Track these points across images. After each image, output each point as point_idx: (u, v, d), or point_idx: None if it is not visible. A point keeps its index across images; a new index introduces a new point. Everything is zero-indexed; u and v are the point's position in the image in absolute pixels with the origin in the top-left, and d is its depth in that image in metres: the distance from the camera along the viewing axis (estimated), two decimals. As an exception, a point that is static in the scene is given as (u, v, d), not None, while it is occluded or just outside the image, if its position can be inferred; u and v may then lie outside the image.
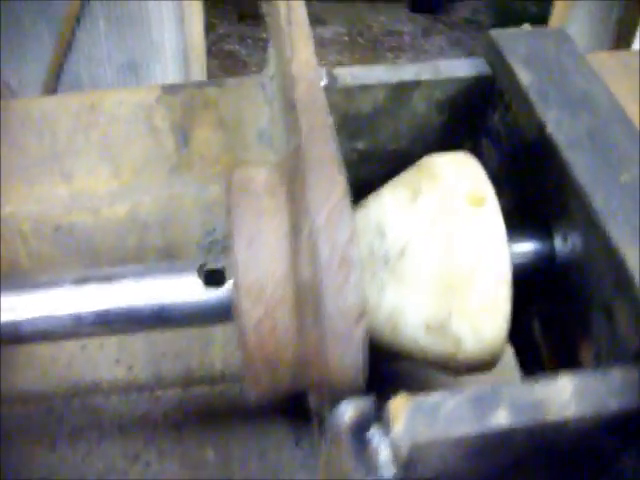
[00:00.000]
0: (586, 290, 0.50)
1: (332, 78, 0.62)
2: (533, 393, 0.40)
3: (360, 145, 0.67)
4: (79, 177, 0.84)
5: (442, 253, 0.48)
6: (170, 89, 0.90)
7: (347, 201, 0.45)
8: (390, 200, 0.52)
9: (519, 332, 0.64)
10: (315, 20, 5.48)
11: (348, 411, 0.42)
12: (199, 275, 0.53)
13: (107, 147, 0.85)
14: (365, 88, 0.62)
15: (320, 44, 5.23)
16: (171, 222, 0.82)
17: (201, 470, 0.82)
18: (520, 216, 0.62)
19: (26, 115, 0.89)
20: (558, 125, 0.54)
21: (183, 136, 0.85)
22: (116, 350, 0.84)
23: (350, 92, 0.62)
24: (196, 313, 0.54)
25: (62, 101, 0.90)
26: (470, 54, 4.83)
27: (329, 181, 0.45)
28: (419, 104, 0.64)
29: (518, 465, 0.43)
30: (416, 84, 0.63)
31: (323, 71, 0.61)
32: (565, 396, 0.40)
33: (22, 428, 0.84)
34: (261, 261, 0.46)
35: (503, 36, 0.64)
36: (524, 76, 0.59)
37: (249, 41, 5.20)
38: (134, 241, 0.83)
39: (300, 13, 0.63)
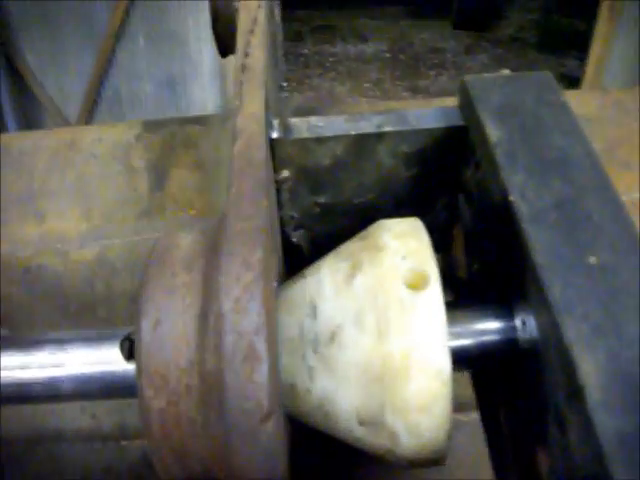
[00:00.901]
0: (542, 388, 0.44)
1: (286, 130, 0.57)
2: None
3: (322, 199, 0.62)
4: (51, 218, 0.82)
5: (374, 342, 0.43)
6: (151, 126, 0.87)
7: (260, 285, 0.40)
8: (327, 275, 0.47)
9: (487, 418, 0.59)
10: (357, 37, 5.46)
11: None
12: (121, 347, 0.49)
13: (81, 187, 0.83)
14: (322, 140, 0.57)
15: (361, 61, 5.20)
16: (140, 267, 0.79)
17: (164, 528, 0.78)
18: (487, 286, 0.56)
19: (5, 152, 0.87)
20: (522, 192, 0.48)
21: (158, 177, 0.82)
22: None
23: (306, 144, 0.58)
24: (116, 386, 0.49)
25: (42, 138, 0.88)
26: (513, 70, 4.71)
27: (242, 262, 0.40)
28: (384, 157, 0.59)
29: None
30: (378, 136, 0.58)
31: (276, 122, 0.57)
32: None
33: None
34: (166, 347, 0.42)
35: (477, 83, 0.58)
36: (493, 131, 0.53)
37: (290, 57, 5.20)
38: (102, 285, 0.80)
39: (257, 58, 0.59)
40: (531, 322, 0.45)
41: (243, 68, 0.58)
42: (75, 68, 3.94)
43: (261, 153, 0.50)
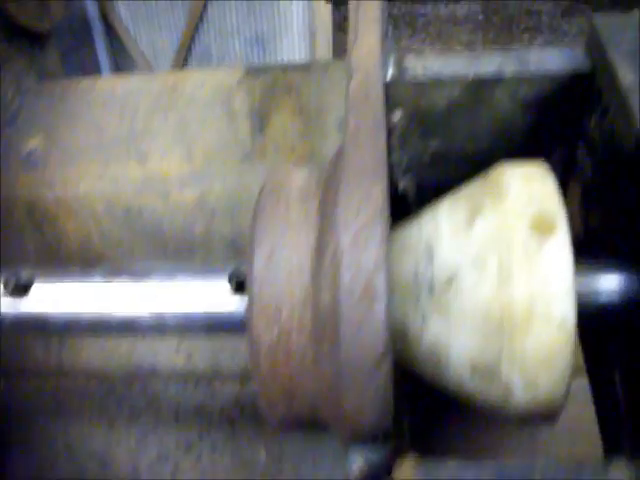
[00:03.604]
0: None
1: (401, 69, 0.55)
2: None
3: (433, 144, 0.59)
4: (153, 159, 0.82)
5: (495, 288, 0.41)
6: (253, 71, 0.86)
7: (381, 219, 0.38)
8: (445, 217, 0.45)
9: (598, 382, 0.56)
10: (449, -4, 5.27)
11: (357, 461, 0.37)
12: (230, 281, 0.49)
13: (183, 130, 0.83)
14: (438, 82, 0.55)
15: (453, 22, 5.03)
16: (240, 212, 0.79)
17: (252, 469, 0.80)
18: (609, 241, 0.53)
19: (110, 95, 0.88)
20: None
21: (260, 122, 0.81)
22: (176, 338, 0.82)
23: (421, 86, 0.55)
24: (222, 320, 0.49)
25: (146, 81, 0.89)
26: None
27: (363, 195, 0.39)
28: (502, 102, 0.56)
29: None
30: (498, 79, 0.54)
31: (391, 61, 0.55)
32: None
33: (83, 403, 0.85)
34: (279, 279, 0.41)
35: (608, 24, 0.54)
36: (626, 75, 0.49)
37: (379, 17, 5.08)
38: (201, 228, 0.80)
39: (373, -6, 0.56)
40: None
41: (358, 3, 0.56)
42: (167, 24, 4.00)
43: (379, 89, 0.48)
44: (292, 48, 3.85)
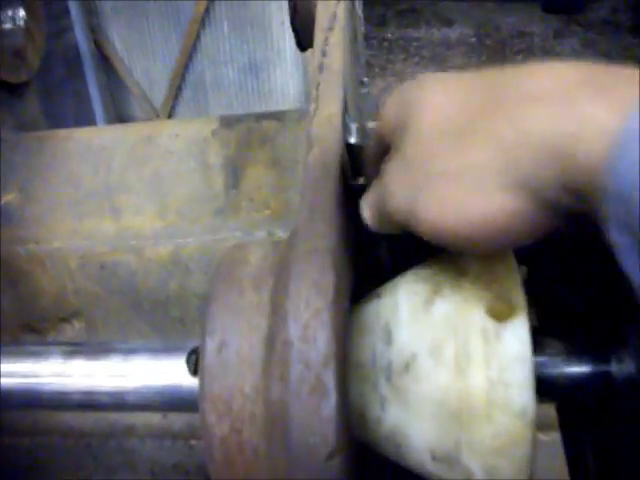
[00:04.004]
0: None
1: (364, 135, 0.54)
2: None
3: (401, 208, 0.58)
4: (127, 214, 0.82)
5: (452, 375, 0.39)
6: (227, 122, 0.85)
7: (331, 311, 0.37)
8: (405, 298, 0.44)
9: (573, 463, 0.54)
10: (441, 21, 5.32)
11: None
12: (187, 361, 0.48)
13: (157, 183, 0.82)
14: (403, 147, 0.54)
15: (446, 46, 5.07)
16: (213, 267, 0.78)
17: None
18: (583, 322, 0.52)
19: (86, 147, 0.87)
20: None
21: (234, 175, 0.80)
22: (152, 396, 0.81)
23: (386, 151, 0.54)
24: (181, 401, 0.48)
25: (122, 132, 0.88)
26: (604, 56, 4.48)
27: (313, 285, 0.38)
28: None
29: None
30: None
31: (354, 127, 0.54)
32: None
33: (60, 460, 0.83)
34: (230, 371, 0.40)
35: None
36: None
37: (373, 42, 5.13)
38: (176, 284, 0.79)
39: (335, 58, 0.56)
40: (629, 362, 0.41)
41: (320, 68, 0.55)
42: (161, 54, 4.02)
43: (337, 163, 0.47)
44: (285, 75, 3.87)
